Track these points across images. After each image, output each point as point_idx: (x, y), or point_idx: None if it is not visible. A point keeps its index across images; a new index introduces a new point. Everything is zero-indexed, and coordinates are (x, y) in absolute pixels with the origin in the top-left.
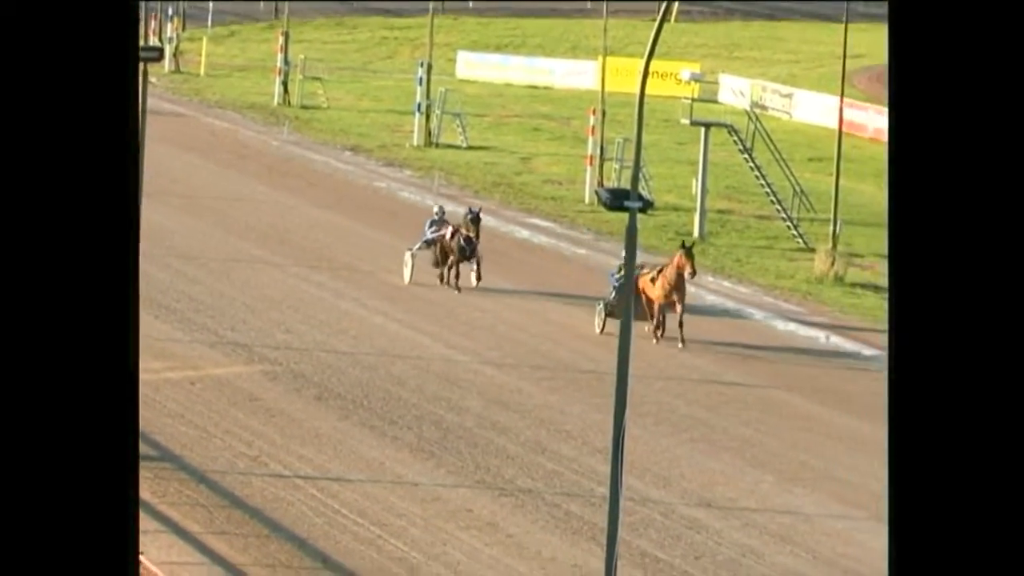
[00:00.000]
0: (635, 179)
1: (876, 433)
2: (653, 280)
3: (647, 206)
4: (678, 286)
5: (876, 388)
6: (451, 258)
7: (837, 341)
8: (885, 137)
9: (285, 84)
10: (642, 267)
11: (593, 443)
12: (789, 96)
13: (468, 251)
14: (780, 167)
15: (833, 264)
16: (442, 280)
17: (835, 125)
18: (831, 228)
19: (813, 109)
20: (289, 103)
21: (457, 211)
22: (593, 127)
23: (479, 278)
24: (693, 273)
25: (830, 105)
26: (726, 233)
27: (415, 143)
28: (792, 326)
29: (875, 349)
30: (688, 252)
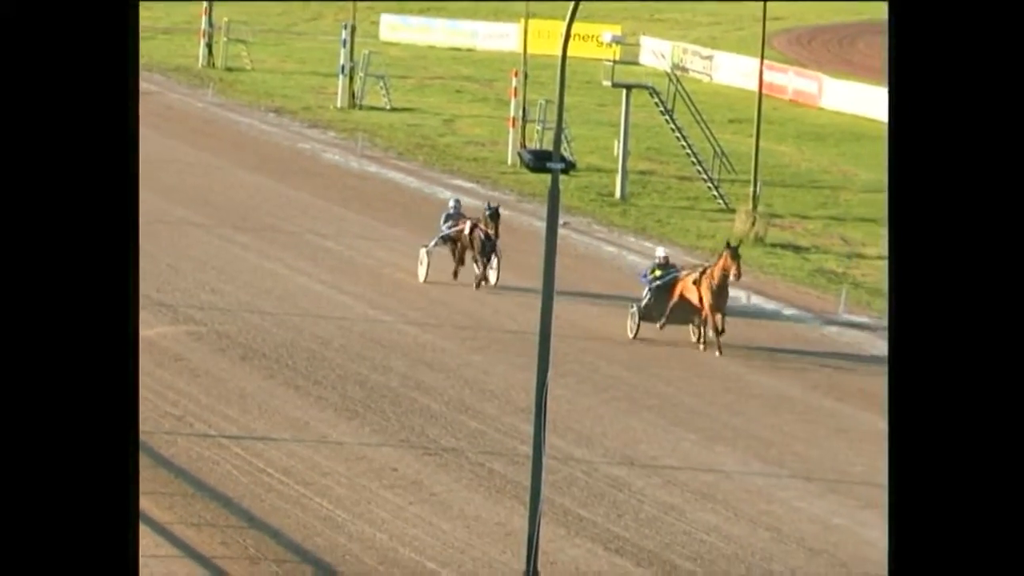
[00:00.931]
0: (557, 141)
1: (796, 392)
2: (696, 283)
3: (569, 167)
4: (722, 289)
5: (796, 348)
6: (469, 254)
7: (758, 301)
8: (804, 98)
9: (209, 46)
10: (673, 265)
11: (516, 402)
12: (709, 58)
13: (488, 248)
14: (701, 129)
15: (753, 225)
16: (456, 277)
17: (755, 87)
18: (751, 189)
19: (733, 71)
20: (214, 65)
21: (383, 172)
22: (515, 89)
23: (497, 277)
24: (739, 276)
25: (750, 67)
26: (647, 194)
27: (339, 105)
28: None
29: (795, 309)
30: (734, 253)
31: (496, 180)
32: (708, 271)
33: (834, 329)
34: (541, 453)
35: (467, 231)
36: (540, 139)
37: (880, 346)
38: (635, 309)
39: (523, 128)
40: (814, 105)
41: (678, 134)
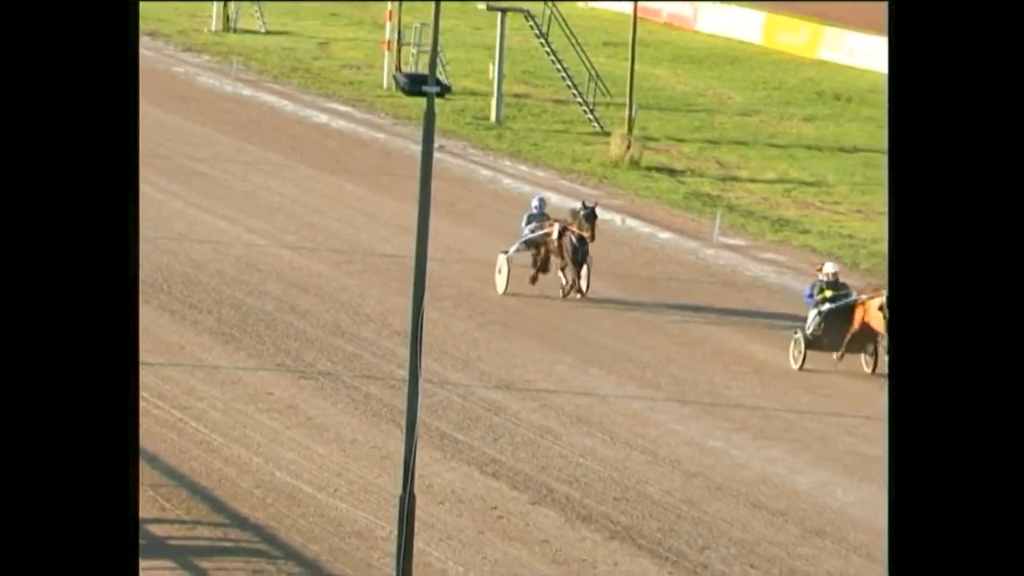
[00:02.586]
0: (432, 64)
1: (671, 316)
2: (881, 308)
3: (444, 91)
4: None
5: (672, 271)
6: (558, 261)
7: (633, 224)
8: (679, 22)
9: None
10: (844, 285)
11: (392, 326)
12: None
13: (581, 254)
14: (576, 52)
15: (628, 148)
16: (534, 282)
17: (630, 11)
18: (626, 112)
19: None
20: None
21: (258, 96)
22: (390, 12)
23: (587, 284)
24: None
25: None
26: (523, 117)
27: (213, 28)
28: None
29: (670, 232)
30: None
31: (371, 103)
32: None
33: (709, 252)
34: (417, 377)
35: (556, 235)
36: (415, 63)
37: (753, 268)
38: (800, 336)
39: (398, 51)
40: (689, 28)
41: (553, 58)
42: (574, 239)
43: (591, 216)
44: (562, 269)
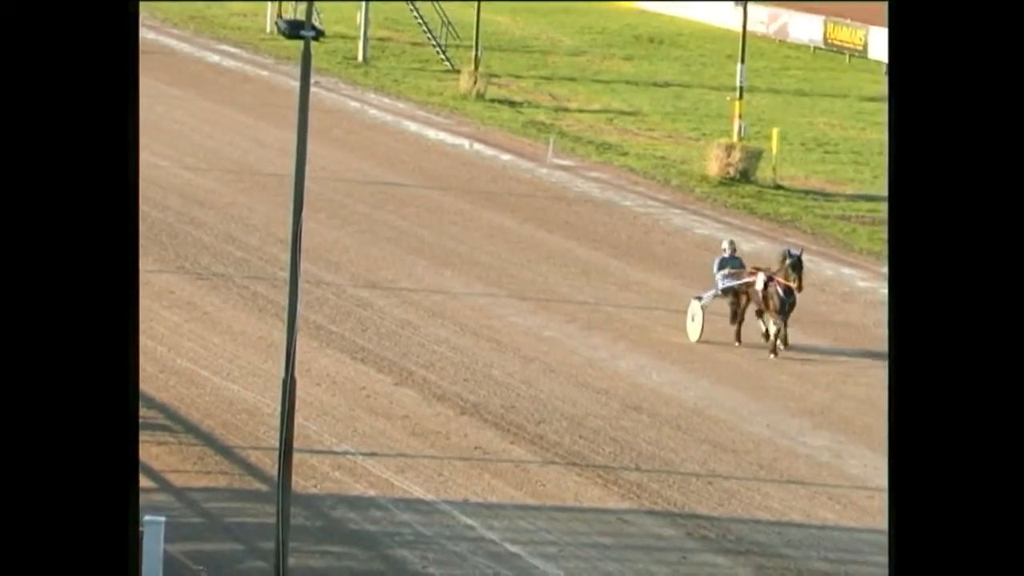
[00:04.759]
0: (308, 12)
1: (512, 225)
2: (767, 284)
3: (319, 35)
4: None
5: (513, 187)
6: (763, 313)
7: (479, 148)
8: None
9: None
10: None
11: (276, 235)
12: None
13: (788, 305)
14: (430, 2)
15: (475, 83)
16: (739, 341)
17: None
18: (473, 53)
19: None
20: None
21: (159, 40)
22: None
23: (786, 340)
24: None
25: None
26: (386, 58)
27: None
28: (442, 135)
29: (510, 154)
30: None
31: (257, 46)
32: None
33: (543, 171)
34: (297, 277)
35: (760, 285)
36: (295, 10)
37: (581, 185)
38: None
39: (280, 1)
40: None
41: (411, 5)
42: (780, 290)
43: (798, 265)
44: (760, 317)
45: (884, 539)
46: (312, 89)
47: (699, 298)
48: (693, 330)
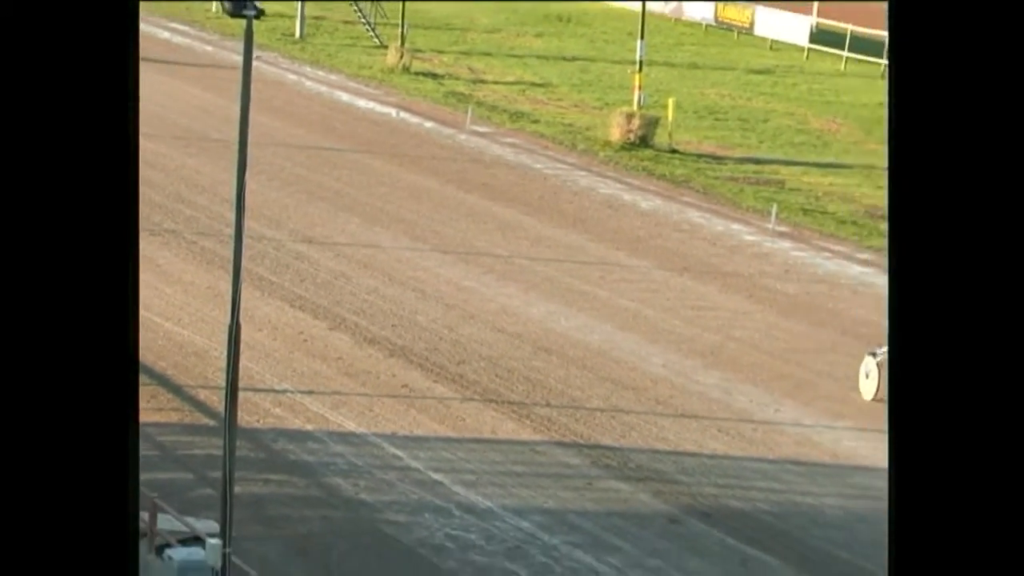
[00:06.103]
0: None
1: (434, 186)
2: None
3: (260, 14)
4: None
5: (435, 152)
6: None
7: (405, 116)
8: None
9: None
10: None
11: (222, 195)
12: None
13: None
14: None
15: (401, 58)
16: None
17: None
18: (400, 30)
19: None
20: None
21: None
22: None
23: None
24: None
25: None
26: (320, 35)
27: None
28: (371, 104)
29: (433, 122)
30: None
31: (203, 24)
32: None
33: (463, 137)
34: (241, 232)
35: None
36: None
37: (497, 150)
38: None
39: None
40: None
41: None
42: None
43: None
44: None
45: (767, 467)
46: (254, 63)
47: (873, 354)
48: (868, 388)
